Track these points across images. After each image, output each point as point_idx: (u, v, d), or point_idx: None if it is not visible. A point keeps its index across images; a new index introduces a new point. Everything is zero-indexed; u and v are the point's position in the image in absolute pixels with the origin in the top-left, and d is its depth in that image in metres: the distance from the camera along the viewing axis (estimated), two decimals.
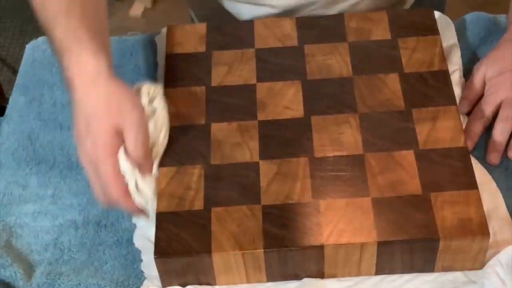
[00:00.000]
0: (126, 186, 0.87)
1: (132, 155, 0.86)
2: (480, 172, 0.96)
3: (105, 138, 0.85)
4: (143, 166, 0.88)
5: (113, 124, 0.85)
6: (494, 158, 0.98)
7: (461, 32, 1.13)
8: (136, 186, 0.87)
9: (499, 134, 0.98)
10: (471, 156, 0.95)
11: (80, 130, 0.87)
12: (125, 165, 0.86)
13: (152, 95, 0.92)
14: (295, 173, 0.91)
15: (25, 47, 1.17)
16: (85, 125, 0.86)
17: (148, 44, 1.16)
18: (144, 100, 0.90)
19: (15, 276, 0.91)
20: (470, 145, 0.98)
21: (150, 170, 0.90)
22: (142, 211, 0.89)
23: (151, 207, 0.89)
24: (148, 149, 0.89)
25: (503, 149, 0.98)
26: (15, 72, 1.12)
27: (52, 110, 1.10)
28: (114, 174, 0.85)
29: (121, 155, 0.86)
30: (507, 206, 0.94)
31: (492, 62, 1.03)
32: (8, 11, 2.35)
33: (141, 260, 0.92)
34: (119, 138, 0.86)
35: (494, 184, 0.95)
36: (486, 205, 0.92)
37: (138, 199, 0.88)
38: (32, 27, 1.13)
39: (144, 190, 0.88)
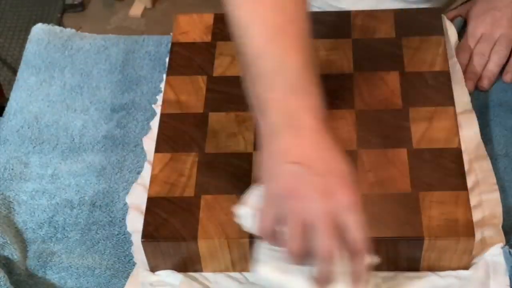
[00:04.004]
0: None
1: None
2: (491, 181, 0.97)
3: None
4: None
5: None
6: (470, 85, 1.07)
7: None
8: None
9: (474, 65, 1.09)
10: (489, 164, 0.97)
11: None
12: None
13: None
14: None
15: (25, 47, 1.19)
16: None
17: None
18: None
19: (12, 257, 0.93)
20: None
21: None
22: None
23: None
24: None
25: (477, 78, 1.09)
26: (15, 72, 1.15)
27: (60, 92, 1.12)
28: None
29: None
30: None
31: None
32: (8, 11, 2.39)
33: (132, 242, 0.94)
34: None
35: (498, 195, 0.95)
36: (485, 213, 0.93)
37: None
38: (32, 27, 1.16)
39: None
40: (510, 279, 0.87)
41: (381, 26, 1.06)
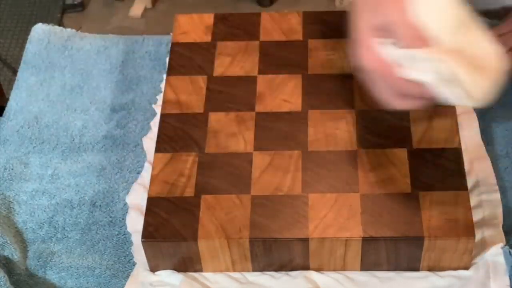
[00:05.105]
0: None
1: None
2: (491, 181, 0.97)
3: None
4: None
5: None
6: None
7: None
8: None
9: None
10: (490, 165, 0.97)
11: None
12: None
13: None
14: (287, 165, 0.92)
15: (25, 47, 1.19)
16: None
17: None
18: None
19: (12, 257, 0.93)
20: None
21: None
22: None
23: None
24: None
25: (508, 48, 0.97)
26: (15, 72, 1.14)
27: (60, 92, 1.12)
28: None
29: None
30: None
31: None
32: (8, 11, 2.38)
33: (132, 242, 0.94)
34: None
35: (498, 196, 0.95)
36: (485, 213, 0.93)
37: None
38: (32, 27, 1.16)
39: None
40: (510, 279, 0.87)
41: None
